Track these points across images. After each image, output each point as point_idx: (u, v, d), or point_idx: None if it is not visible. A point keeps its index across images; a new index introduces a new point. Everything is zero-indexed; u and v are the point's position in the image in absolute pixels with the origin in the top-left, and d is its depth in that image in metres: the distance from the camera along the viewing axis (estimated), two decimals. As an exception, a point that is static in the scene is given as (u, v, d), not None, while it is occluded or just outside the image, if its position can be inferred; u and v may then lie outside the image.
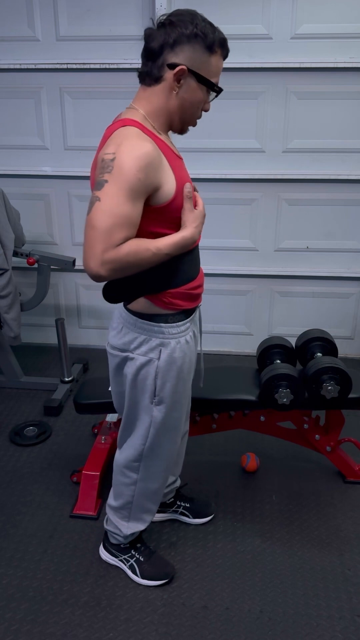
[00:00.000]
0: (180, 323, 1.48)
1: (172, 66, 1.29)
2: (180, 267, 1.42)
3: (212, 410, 2.13)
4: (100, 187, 1.23)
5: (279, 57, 2.70)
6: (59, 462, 2.35)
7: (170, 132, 1.45)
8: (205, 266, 3.18)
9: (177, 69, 1.28)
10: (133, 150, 1.23)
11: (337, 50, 2.68)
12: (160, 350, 1.46)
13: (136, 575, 1.78)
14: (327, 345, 2.15)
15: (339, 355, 2.13)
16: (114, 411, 2.20)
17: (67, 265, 2.75)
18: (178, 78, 1.30)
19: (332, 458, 2.21)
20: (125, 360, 1.50)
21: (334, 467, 2.26)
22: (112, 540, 1.82)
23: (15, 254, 2.70)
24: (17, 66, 2.84)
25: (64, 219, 3.15)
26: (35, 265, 2.74)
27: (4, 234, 2.56)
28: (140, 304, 1.45)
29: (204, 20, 1.31)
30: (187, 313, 1.50)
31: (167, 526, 2.01)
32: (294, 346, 2.22)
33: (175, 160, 1.37)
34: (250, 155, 2.90)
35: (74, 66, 2.81)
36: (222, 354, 3.31)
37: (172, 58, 1.29)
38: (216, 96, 1.39)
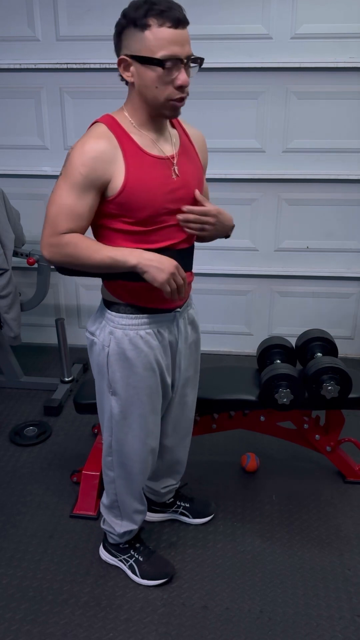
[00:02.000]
0: (131, 315, 1.47)
1: (119, 62, 1.35)
2: None
3: (212, 410, 2.13)
4: (58, 179, 1.36)
5: (279, 57, 2.69)
6: (59, 462, 2.35)
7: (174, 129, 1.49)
8: (206, 266, 3.19)
9: (118, 61, 1.34)
10: (83, 146, 1.33)
11: (337, 50, 2.68)
12: (111, 339, 1.49)
13: (136, 575, 1.79)
14: (327, 345, 2.15)
15: (339, 355, 2.13)
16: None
17: (67, 265, 2.74)
18: (125, 68, 1.34)
19: (332, 458, 2.20)
20: (92, 344, 1.55)
21: (334, 467, 2.26)
22: (110, 540, 1.82)
23: (15, 254, 2.70)
24: (17, 66, 2.84)
25: (64, 219, 3.15)
26: (35, 265, 2.74)
27: (4, 234, 2.56)
28: (103, 289, 1.52)
29: (138, 2, 1.28)
30: (144, 310, 1.48)
31: (167, 526, 2.01)
32: (294, 346, 2.21)
33: (138, 157, 1.36)
34: (250, 155, 2.90)
35: (74, 66, 2.81)
36: (222, 354, 3.31)
37: (118, 54, 1.36)
38: (186, 64, 1.28)
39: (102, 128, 1.37)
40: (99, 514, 2.03)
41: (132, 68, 1.32)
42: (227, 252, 3.09)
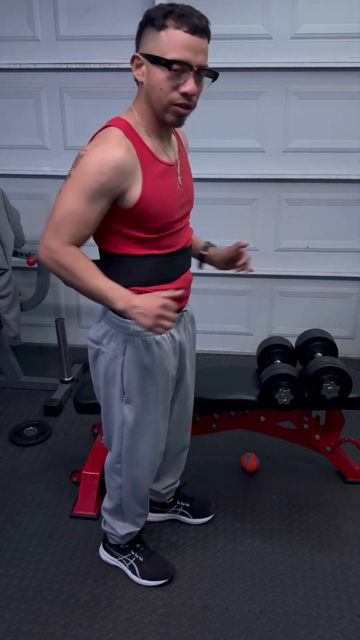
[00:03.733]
0: None
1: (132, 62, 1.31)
2: (147, 267, 1.41)
3: (212, 410, 2.13)
4: (65, 180, 1.29)
5: (279, 57, 2.70)
6: (59, 462, 2.35)
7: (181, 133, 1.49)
8: (206, 266, 3.17)
9: (131, 58, 1.30)
10: (103, 153, 1.26)
11: (337, 50, 2.68)
12: (126, 347, 1.46)
13: (136, 575, 1.79)
14: (327, 345, 2.15)
15: (339, 355, 2.13)
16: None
17: (67, 265, 2.74)
18: (137, 66, 1.30)
19: (332, 458, 2.20)
20: (98, 353, 1.51)
21: (334, 467, 2.26)
22: (111, 541, 1.82)
23: (15, 254, 2.70)
24: (17, 66, 2.84)
25: (64, 219, 3.15)
26: (35, 265, 2.74)
27: (4, 234, 2.56)
28: None
29: (164, 4, 1.27)
30: None
31: (167, 526, 2.01)
32: (294, 346, 2.21)
33: (153, 165, 1.34)
34: (250, 155, 2.90)
35: (74, 66, 2.81)
36: (222, 354, 3.31)
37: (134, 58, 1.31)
38: (177, 69, 1.24)
39: (119, 134, 1.29)
40: (99, 514, 2.04)
41: (143, 67, 1.28)
42: (227, 252, 3.09)
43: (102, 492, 2.08)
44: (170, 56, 1.23)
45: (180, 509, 2.02)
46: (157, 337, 1.47)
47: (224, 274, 3.12)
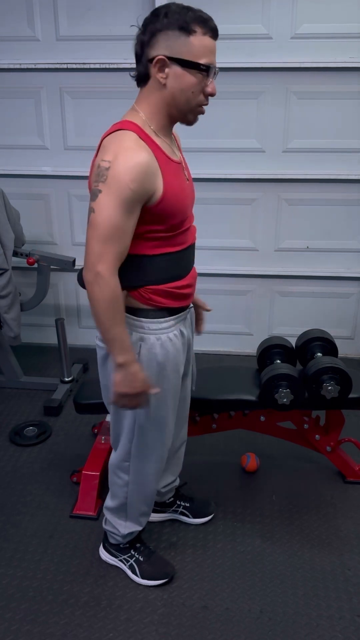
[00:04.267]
0: (162, 320, 1.47)
1: (152, 60, 1.30)
2: (161, 265, 1.42)
3: (212, 410, 2.13)
4: (95, 198, 1.27)
5: (279, 57, 2.69)
6: (59, 462, 2.35)
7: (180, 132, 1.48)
8: (206, 266, 3.19)
9: (155, 60, 1.29)
10: (128, 159, 1.25)
11: (337, 50, 2.68)
12: (140, 345, 1.46)
13: (136, 575, 1.79)
14: (327, 345, 2.15)
15: (339, 355, 2.13)
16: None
17: (67, 265, 2.75)
18: (160, 68, 1.30)
19: (332, 458, 2.20)
20: (108, 353, 1.50)
21: (334, 467, 2.26)
22: (112, 541, 1.82)
23: (15, 254, 2.70)
24: (17, 66, 2.84)
25: (64, 219, 3.15)
26: (35, 265, 2.74)
27: (4, 234, 2.56)
28: (126, 298, 1.46)
29: (179, 6, 1.29)
30: (171, 311, 1.49)
31: (167, 526, 2.01)
32: (294, 346, 2.21)
33: (167, 164, 1.36)
34: (250, 155, 2.90)
35: (74, 66, 2.81)
36: (222, 354, 3.31)
37: (152, 53, 1.30)
38: (214, 76, 1.33)
39: (134, 137, 1.29)
40: (99, 514, 2.04)
41: (167, 69, 1.29)
42: (227, 252, 3.09)
43: (102, 492, 2.08)
44: (203, 61, 1.29)
45: (180, 509, 2.02)
46: (170, 334, 1.49)
47: (224, 273, 3.13)
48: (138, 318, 1.45)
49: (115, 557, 1.83)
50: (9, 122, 2.97)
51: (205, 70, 1.30)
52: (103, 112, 2.88)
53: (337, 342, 2.20)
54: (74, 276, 3.25)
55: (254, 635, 1.62)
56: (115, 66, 2.77)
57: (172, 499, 2.00)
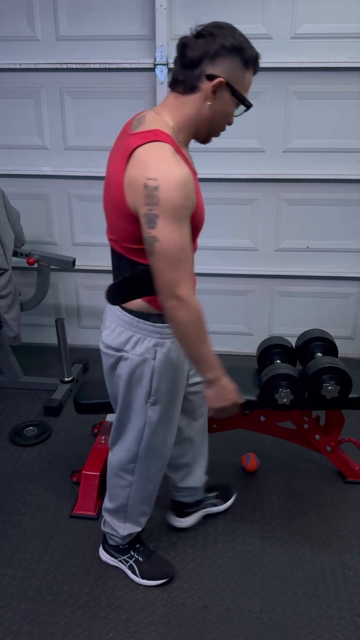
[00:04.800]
0: None
1: (211, 77, 1.28)
2: None
3: (212, 410, 2.13)
4: (153, 225, 1.24)
5: (279, 57, 2.69)
6: (59, 462, 2.35)
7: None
8: (205, 266, 3.19)
9: (216, 81, 1.28)
10: (175, 177, 1.22)
11: (337, 50, 2.68)
12: (156, 350, 1.46)
13: (136, 575, 1.79)
14: (327, 345, 2.15)
15: (339, 355, 2.13)
16: (113, 411, 2.20)
17: (67, 265, 2.75)
18: (215, 90, 1.29)
19: (332, 458, 2.21)
20: (119, 360, 1.50)
21: (334, 467, 2.26)
22: (111, 542, 1.82)
23: (15, 254, 2.70)
24: (17, 66, 2.84)
25: (64, 219, 3.15)
26: (35, 265, 2.74)
27: (4, 234, 2.56)
28: (138, 302, 1.45)
29: (241, 34, 1.30)
30: None
31: (167, 526, 2.01)
32: (294, 346, 2.21)
33: (195, 175, 1.39)
34: (250, 155, 2.90)
35: (74, 66, 2.81)
36: (222, 354, 3.29)
37: (211, 69, 1.28)
38: (245, 112, 1.38)
39: (172, 150, 1.27)
40: (99, 514, 2.04)
41: (219, 94, 1.30)
42: (227, 252, 3.09)
43: (102, 492, 2.08)
44: (247, 97, 1.34)
45: (210, 501, 2.04)
46: None
47: (223, 273, 3.13)
48: (154, 323, 1.45)
49: (115, 557, 1.83)
50: (9, 122, 2.97)
51: (247, 107, 1.35)
52: (103, 112, 2.88)
53: (337, 342, 2.20)
54: (74, 276, 3.26)
55: (254, 635, 1.62)
56: (115, 66, 2.77)
57: (202, 494, 2.03)
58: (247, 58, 1.29)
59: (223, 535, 1.98)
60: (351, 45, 2.67)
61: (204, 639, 1.62)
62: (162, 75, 2.70)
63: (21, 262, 2.79)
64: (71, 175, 3.02)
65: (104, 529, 1.81)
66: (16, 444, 2.46)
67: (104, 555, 1.87)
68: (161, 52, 2.68)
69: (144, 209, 1.24)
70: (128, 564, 1.81)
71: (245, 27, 2.64)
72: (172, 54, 2.64)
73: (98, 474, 2.07)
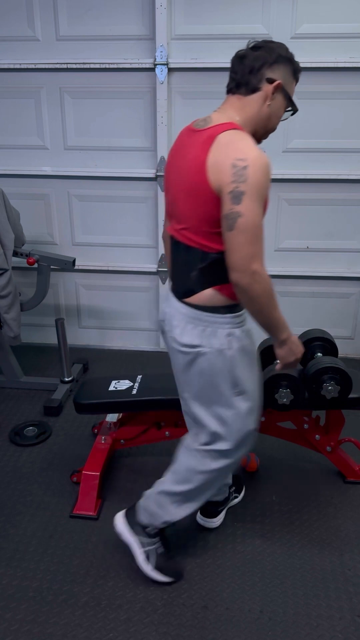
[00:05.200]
0: (242, 312, 1.51)
1: (271, 80, 1.44)
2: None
3: (212, 410, 2.13)
4: (238, 201, 1.30)
5: (279, 57, 2.69)
6: (59, 462, 2.35)
7: None
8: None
9: (276, 83, 1.44)
10: (262, 159, 1.33)
11: (337, 50, 2.68)
12: (230, 340, 1.48)
13: (147, 562, 1.74)
14: (327, 345, 2.15)
15: (339, 355, 2.13)
16: (113, 411, 2.21)
17: (67, 265, 2.75)
18: (274, 91, 1.44)
19: (332, 458, 2.20)
20: (197, 356, 1.50)
21: (334, 467, 2.26)
22: (145, 520, 1.73)
23: (15, 254, 2.70)
24: (17, 66, 2.84)
25: (64, 218, 3.15)
26: (35, 265, 2.74)
27: (4, 234, 2.56)
28: (205, 296, 1.48)
29: (292, 54, 1.48)
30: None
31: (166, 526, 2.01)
32: (294, 346, 2.21)
33: None
34: (250, 155, 2.90)
35: (74, 66, 2.81)
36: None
37: (270, 74, 1.44)
38: (291, 115, 1.55)
39: (251, 138, 1.40)
40: (99, 514, 2.04)
41: (276, 95, 1.45)
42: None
43: (102, 492, 2.08)
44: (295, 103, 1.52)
45: (232, 494, 2.06)
46: (247, 324, 1.53)
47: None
48: (223, 315, 1.48)
49: (136, 534, 1.74)
50: (9, 122, 2.97)
51: (295, 111, 1.54)
52: (103, 112, 2.88)
53: (337, 342, 2.20)
54: (74, 276, 3.26)
55: (254, 635, 1.62)
56: (115, 66, 2.77)
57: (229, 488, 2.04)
58: (296, 69, 1.48)
59: (223, 536, 1.98)
60: (351, 45, 2.67)
61: (204, 639, 1.62)
62: (162, 75, 2.71)
63: (21, 262, 2.79)
64: (71, 175, 3.02)
65: (150, 507, 1.71)
66: (16, 444, 2.46)
67: (121, 524, 1.76)
68: (161, 52, 2.68)
69: (231, 186, 1.31)
70: (146, 548, 1.74)
71: (245, 27, 2.68)
72: (172, 54, 2.67)
73: (98, 474, 2.07)
